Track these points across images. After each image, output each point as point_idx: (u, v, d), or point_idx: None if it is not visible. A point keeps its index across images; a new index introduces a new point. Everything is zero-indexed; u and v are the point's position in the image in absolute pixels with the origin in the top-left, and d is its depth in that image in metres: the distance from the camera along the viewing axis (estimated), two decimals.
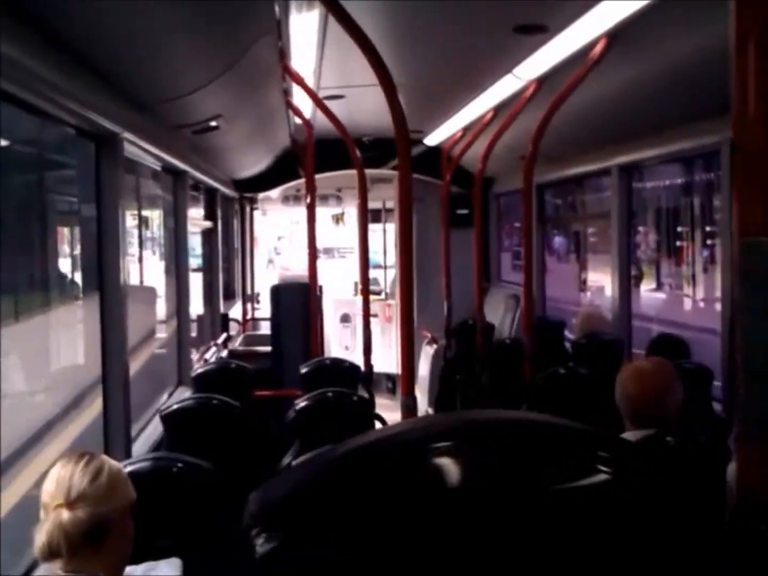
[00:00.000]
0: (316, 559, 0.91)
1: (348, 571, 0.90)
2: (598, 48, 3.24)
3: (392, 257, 9.20)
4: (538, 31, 3.29)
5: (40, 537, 1.54)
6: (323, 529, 0.93)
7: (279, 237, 23.71)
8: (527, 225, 4.49)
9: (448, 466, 0.99)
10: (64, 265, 3.31)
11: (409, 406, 2.74)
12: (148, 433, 3.53)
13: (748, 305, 1.20)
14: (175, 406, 3.17)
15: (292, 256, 22.40)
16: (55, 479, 1.60)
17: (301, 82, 4.11)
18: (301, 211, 8.51)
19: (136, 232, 4.31)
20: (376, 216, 8.97)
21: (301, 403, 3.22)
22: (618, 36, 3.12)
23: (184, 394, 4.20)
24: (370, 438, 1.14)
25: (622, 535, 0.93)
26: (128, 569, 1.78)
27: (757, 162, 1.23)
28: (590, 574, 0.91)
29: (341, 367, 4.20)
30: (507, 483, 0.94)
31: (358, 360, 4.68)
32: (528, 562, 0.90)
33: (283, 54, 3.52)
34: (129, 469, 2.16)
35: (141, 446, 3.29)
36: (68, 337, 3.24)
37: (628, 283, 4.91)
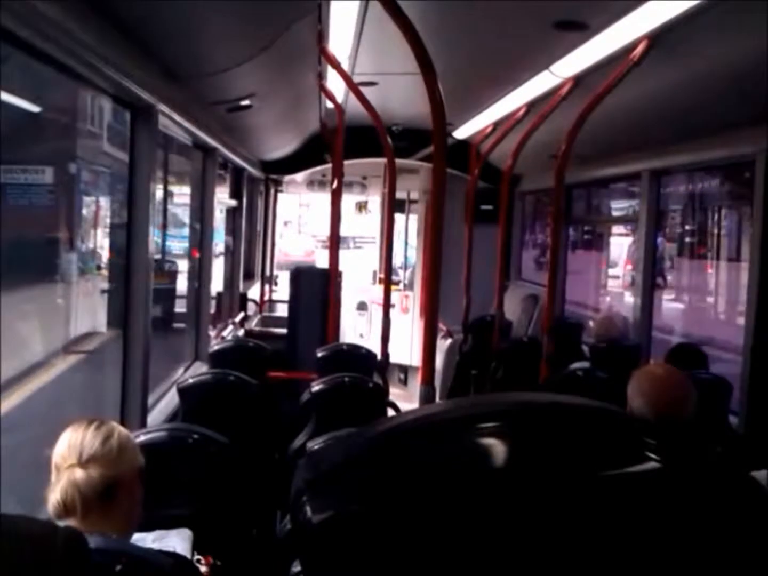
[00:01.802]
0: (361, 531, 0.92)
1: (390, 544, 0.91)
2: (639, 49, 3.20)
3: (411, 249, 9.18)
4: (578, 29, 3.26)
5: (54, 496, 1.57)
6: (371, 499, 0.93)
7: (285, 222, 23.36)
8: (556, 225, 4.46)
9: (494, 446, 0.99)
10: None
11: (428, 397, 2.74)
12: (163, 405, 3.56)
13: None
14: (191, 380, 3.20)
15: (293, 242, 22.34)
16: (67, 442, 1.63)
17: (336, 66, 4.11)
18: (314, 196, 8.52)
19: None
20: (400, 206, 8.96)
21: (317, 386, 3.24)
22: (659, 38, 3.08)
23: (201, 369, 4.23)
24: (418, 414, 1.15)
25: (667, 525, 0.92)
26: (138, 536, 1.81)
27: None
28: (632, 560, 0.91)
29: (357, 353, 4.22)
30: (553, 467, 0.94)
31: (372, 348, 4.69)
32: (571, 547, 0.90)
33: (321, 37, 3.51)
34: (145, 438, 2.18)
35: (157, 417, 3.33)
36: None
37: (651, 290, 4.87)
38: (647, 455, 1.00)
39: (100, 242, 4.19)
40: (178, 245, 5.63)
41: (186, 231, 5.51)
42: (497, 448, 0.99)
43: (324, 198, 8.18)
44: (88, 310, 3.84)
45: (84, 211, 4.16)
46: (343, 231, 5.49)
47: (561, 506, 0.92)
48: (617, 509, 0.92)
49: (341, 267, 5.30)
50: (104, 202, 4.26)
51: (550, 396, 1.30)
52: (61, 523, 1.61)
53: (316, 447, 2.29)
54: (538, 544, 0.91)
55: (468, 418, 1.02)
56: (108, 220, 4.12)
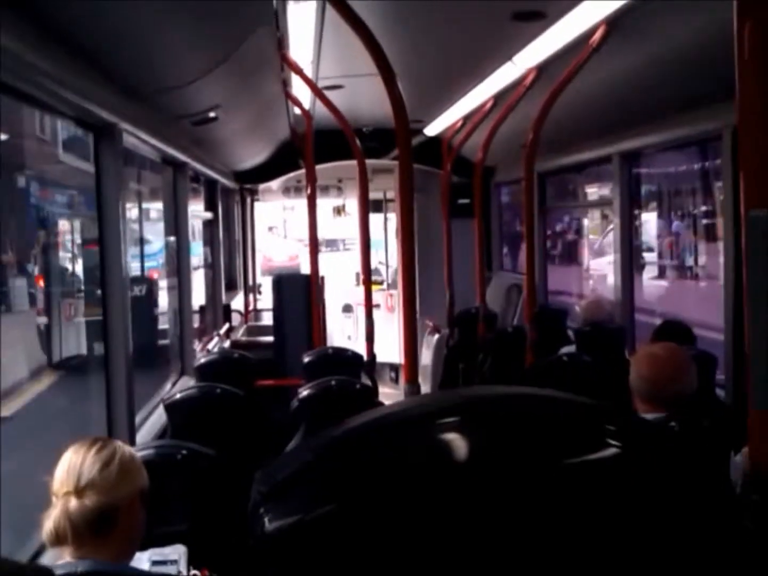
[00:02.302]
0: (323, 535, 0.92)
1: (354, 545, 0.91)
2: (598, 35, 3.23)
3: (393, 247, 9.20)
4: (537, 18, 3.28)
5: (48, 524, 1.55)
6: (329, 505, 0.93)
7: (270, 227, 23.02)
8: (529, 214, 4.48)
9: (454, 441, 0.99)
10: None
11: (413, 394, 2.75)
12: (152, 422, 3.54)
13: (756, 270, 1.21)
14: (178, 395, 3.19)
15: (277, 247, 22.04)
16: (66, 466, 1.60)
17: (299, 72, 4.11)
18: (296, 199, 8.52)
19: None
20: (377, 206, 8.96)
21: (305, 392, 3.23)
22: (617, 23, 3.10)
23: (187, 383, 4.21)
24: (375, 415, 1.15)
25: (630, 509, 0.93)
26: (135, 555, 1.80)
27: (762, 138, 1.24)
28: (597, 546, 0.91)
29: (344, 356, 4.22)
30: (514, 458, 0.94)
31: (361, 350, 4.69)
32: (536, 536, 0.91)
33: (281, 44, 3.51)
34: None
35: (145, 435, 3.31)
36: None
37: (630, 272, 4.91)
38: (607, 442, 1.01)
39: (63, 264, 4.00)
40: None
41: (154, 247, 5.44)
42: (460, 442, 1.00)
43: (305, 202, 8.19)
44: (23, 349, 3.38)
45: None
46: (331, 234, 5.50)
47: (524, 497, 0.92)
48: (579, 497, 0.93)
49: (330, 270, 5.31)
50: (66, 218, 4.07)
51: (510, 388, 1.32)
52: (56, 550, 1.60)
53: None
54: (504, 536, 0.91)
55: (426, 415, 1.02)
56: (68, 237, 3.91)
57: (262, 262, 17.90)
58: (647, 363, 2.40)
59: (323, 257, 5.93)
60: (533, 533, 0.91)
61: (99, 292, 2.86)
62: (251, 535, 0.96)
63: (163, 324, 5.09)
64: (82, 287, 4.13)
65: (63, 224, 4.23)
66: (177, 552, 1.99)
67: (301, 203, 10.94)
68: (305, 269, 9.53)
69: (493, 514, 0.91)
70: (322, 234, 6.07)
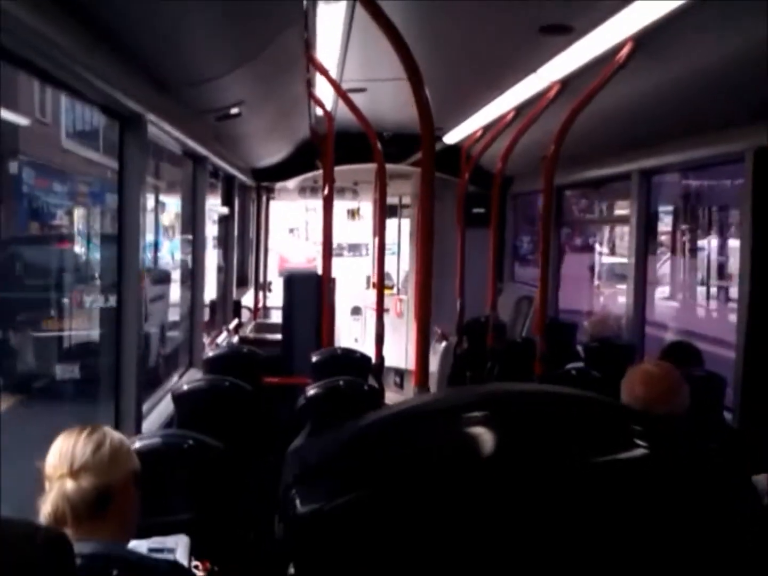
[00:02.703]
0: (351, 519, 0.93)
1: (379, 531, 0.92)
2: (624, 51, 3.23)
3: (405, 252, 9.20)
4: (564, 32, 3.29)
5: (46, 507, 1.57)
6: (359, 489, 0.94)
7: (291, 229, 22.86)
8: (547, 226, 4.48)
9: (479, 435, 1.00)
10: None
11: None
12: (158, 412, 3.56)
13: None
14: (186, 387, 3.20)
15: (296, 248, 21.92)
16: (58, 451, 1.63)
17: (324, 73, 4.13)
18: (312, 200, 8.54)
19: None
20: (392, 211, 8.98)
21: (313, 390, 3.24)
22: (644, 40, 3.11)
23: (195, 376, 4.23)
24: (407, 405, 1.16)
25: (654, 509, 0.94)
26: (135, 543, 1.81)
27: None
28: (621, 545, 0.92)
29: (352, 357, 4.22)
30: (540, 454, 0.95)
31: (367, 352, 4.69)
32: (560, 531, 0.91)
33: (308, 45, 3.53)
34: (140, 444, 2.19)
35: (152, 424, 3.33)
36: None
37: (643, 289, 4.89)
38: (635, 442, 1.01)
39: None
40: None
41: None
42: (485, 436, 1.01)
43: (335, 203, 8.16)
44: None
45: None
46: (351, 238, 5.50)
47: (550, 493, 0.93)
48: (605, 495, 0.94)
49: (350, 275, 5.32)
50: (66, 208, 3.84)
51: (538, 385, 1.32)
52: None
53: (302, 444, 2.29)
54: (529, 530, 0.92)
55: (455, 408, 1.03)
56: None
57: (279, 262, 17.85)
58: (639, 381, 2.36)
59: (346, 262, 5.92)
60: (558, 529, 0.92)
61: (65, 301, 2.73)
62: (283, 517, 0.97)
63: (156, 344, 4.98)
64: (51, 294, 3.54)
65: (61, 216, 3.99)
66: (176, 541, 2.01)
67: (344, 205, 10.95)
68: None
69: (516, 509, 0.92)
70: (342, 238, 6.05)
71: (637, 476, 0.96)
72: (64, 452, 1.61)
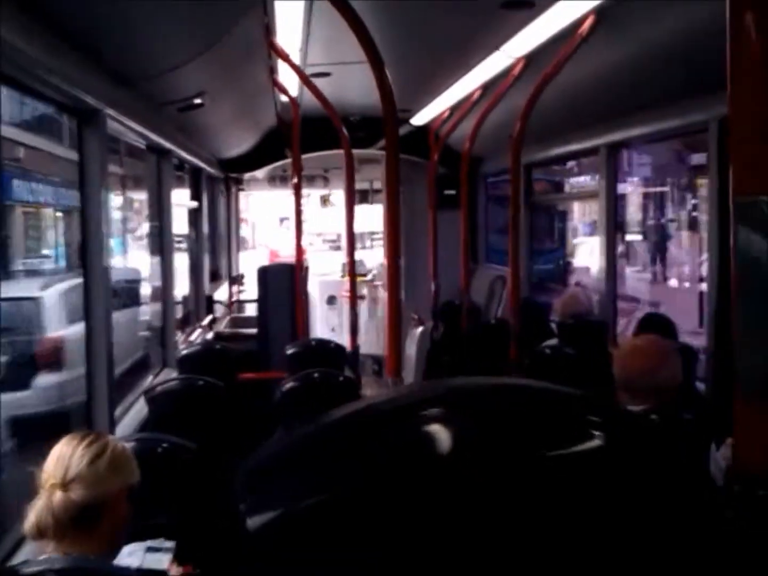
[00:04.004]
0: (308, 529, 0.89)
1: (339, 538, 0.89)
2: (586, 25, 3.21)
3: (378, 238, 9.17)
4: (526, 7, 3.25)
5: (31, 516, 1.53)
6: (316, 497, 0.91)
7: (282, 219, 22.29)
8: (515, 205, 4.47)
9: (437, 433, 0.97)
10: None
11: (396, 387, 2.73)
12: (133, 414, 3.50)
13: (746, 261, 1.20)
14: (160, 388, 3.15)
15: (287, 240, 21.27)
16: (56, 457, 1.58)
17: (287, 59, 4.06)
18: (282, 189, 8.45)
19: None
20: (363, 197, 8.93)
21: (288, 384, 3.21)
22: (606, 13, 3.09)
23: (169, 375, 4.17)
24: (359, 406, 1.13)
25: (612, 501, 0.92)
26: (131, 547, 1.77)
27: (754, 125, 1.23)
28: (579, 538, 0.90)
29: (327, 348, 4.19)
30: (497, 449, 0.93)
31: (345, 342, 4.66)
32: (519, 528, 0.89)
33: (269, 30, 3.47)
34: None
35: (126, 426, 3.27)
36: None
37: (614, 265, 4.91)
38: (591, 433, 0.99)
39: None
40: None
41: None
42: (440, 434, 0.98)
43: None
44: None
45: None
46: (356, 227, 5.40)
47: (507, 489, 0.91)
48: (562, 489, 0.92)
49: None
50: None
51: (494, 379, 1.30)
52: (37, 543, 1.57)
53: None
54: (488, 527, 0.90)
55: (410, 406, 1.01)
56: None
57: (269, 256, 17.49)
58: (630, 355, 2.44)
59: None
60: (517, 526, 0.90)
61: None
62: (232, 532, 0.94)
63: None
64: None
65: None
66: (159, 545, 1.98)
67: (318, 193, 10.80)
68: (317, 266, 9.30)
69: (477, 506, 0.89)
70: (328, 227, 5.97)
71: (594, 468, 0.95)
72: (61, 459, 1.57)
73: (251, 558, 0.92)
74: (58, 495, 1.52)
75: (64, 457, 1.57)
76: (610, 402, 1.99)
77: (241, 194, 9.03)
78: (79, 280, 3.06)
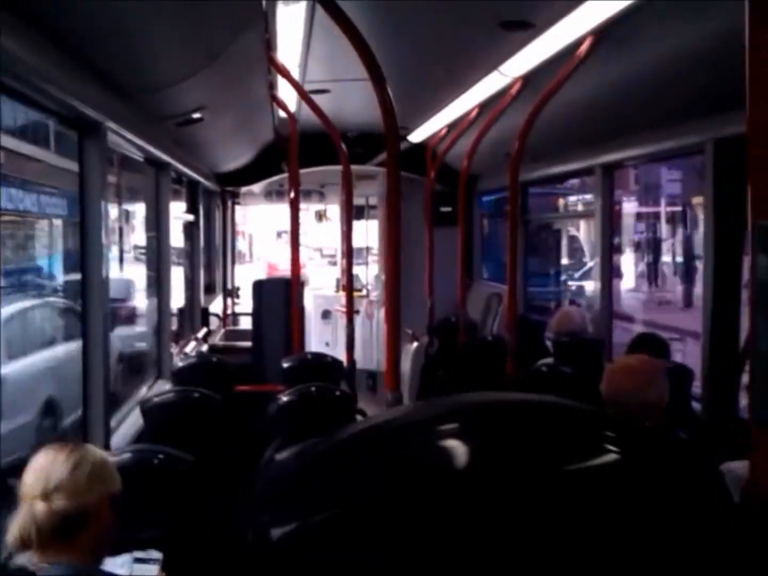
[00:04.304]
0: (329, 539, 0.90)
1: (356, 547, 0.89)
2: (585, 46, 3.25)
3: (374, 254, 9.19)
4: (525, 28, 3.29)
5: (13, 529, 1.53)
6: (335, 508, 0.92)
7: (279, 232, 22.03)
8: (513, 223, 4.49)
9: (453, 448, 0.98)
10: None
11: (395, 403, 2.73)
12: (128, 425, 3.49)
13: (766, 286, 1.20)
14: (155, 399, 3.14)
15: (284, 254, 21.03)
16: (36, 468, 1.58)
17: (286, 75, 4.09)
18: (278, 204, 8.47)
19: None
20: (359, 212, 8.95)
21: (284, 398, 3.20)
22: (604, 34, 3.12)
23: (163, 387, 4.16)
24: (377, 419, 1.13)
25: (628, 515, 0.93)
26: (107, 560, 1.76)
27: None
28: (595, 551, 0.90)
29: (323, 362, 4.19)
30: (514, 464, 0.93)
31: (338, 356, 4.65)
32: (535, 541, 0.90)
33: (269, 46, 3.50)
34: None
35: (121, 438, 3.26)
36: None
37: (610, 283, 4.94)
38: (607, 448, 1.00)
39: None
40: None
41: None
42: (456, 449, 0.99)
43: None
44: None
45: None
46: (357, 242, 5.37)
47: (523, 503, 0.91)
48: (578, 502, 0.92)
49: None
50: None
51: (510, 394, 1.31)
52: (21, 555, 1.56)
53: (273, 458, 2.25)
54: (504, 541, 0.90)
55: (425, 421, 1.01)
56: None
57: (267, 270, 17.35)
58: (617, 373, 2.44)
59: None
60: (533, 539, 0.90)
61: None
62: (250, 542, 0.94)
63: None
64: None
65: None
66: (150, 557, 1.97)
67: (314, 208, 10.76)
68: (316, 280, 9.22)
69: (494, 520, 0.90)
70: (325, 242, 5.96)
71: (610, 482, 0.95)
72: (40, 471, 1.56)
73: (275, 566, 0.93)
74: (40, 506, 1.52)
75: (44, 468, 1.56)
76: (621, 418, 2.00)
77: (238, 207, 9.04)
78: (37, 301, 2.92)
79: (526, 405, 1.09)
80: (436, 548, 0.89)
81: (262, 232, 22.65)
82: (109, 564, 1.77)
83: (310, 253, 21.26)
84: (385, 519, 0.91)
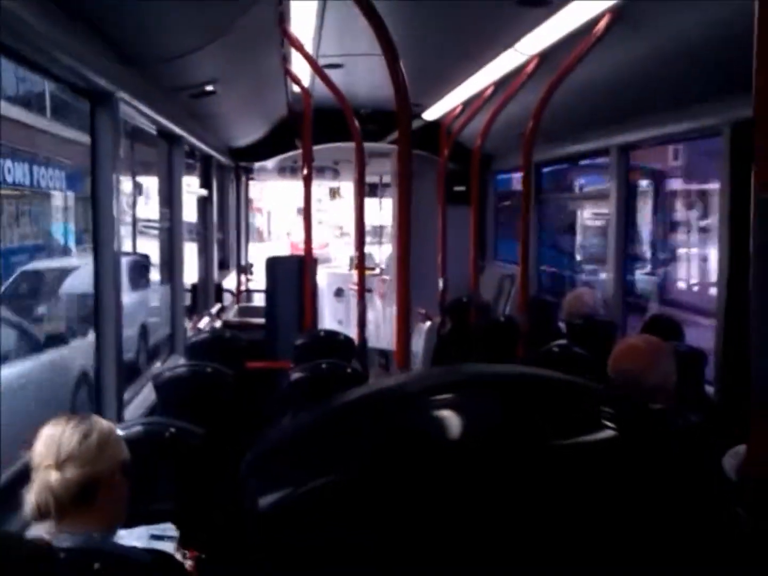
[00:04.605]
0: (318, 508, 0.90)
1: (344, 518, 0.89)
2: (602, 24, 3.20)
3: (387, 232, 9.16)
4: (542, 5, 3.24)
5: (30, 498, 1.56)
6: (326, 477, 0.92)
7: (299, 209, 21.77)
8: (526, 203, 4.46)
9: (449, 418, 0.98)
10: None
11: None
12: (141, 399, 3.52)
13: (765, 256, 1.19)
14: (168, 373, 3.16)
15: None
16: (45, 440, 1.61)
17: (300, 48, 4.06)
18: (292, 180, 8.45)
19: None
20: (372, 190, 8.91)
21: (296, 374, 3.21)
22: (622, 12, 3.08)
23: (177, 361, 4.19)
24: (373, 388, 1.13)
25: (623, 491, 0.92)
26: (122, 532, 1.79)
27: None
28: (588, 527, 0.90)
29: (335, 340, 4.19)
30: (509, 436, 0.93)
31: (351, 334, 4.66)
32: (528, 516, 0.90)
33: (282, 18, 3.46)
34: (121, 433, 2.15)
35: (134, 411, 3.29)
36: None
37: (623, 265, 4.90)
38: (603, 423, 0.99)
39: None
40: None
41: None
42: (453, 419, 0.99)
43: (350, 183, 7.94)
44: None
45: None
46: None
47: (518, 475, 0.91)
48: (573, 477, 0.92)
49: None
50: None
51: (509, 366, 1.31)
52: (39, 525, 1.59)
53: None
54: (498, 513, 0.90)
55: (422, 391, 1.01)
56: None
57: (290, 248, 17.24)
58: (624, 354, 2.41)
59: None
60: (527, 512, 0.90)
61: None
62: (240, 509, 0.94)
63: None
64: None
65: None
66: (165, 530, 1.99)
67: (328, 185, 10.65)
68: (340, 258, 9.14)
69: (487, 491, 0.90)
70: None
71: (605, 459, 0.95)
72: (50, 442, 1.59)
73: (261, 536, 0.93)
74: (54, 475, 1.55)
75: (54, 438, 1.59)
76: (625, 397, 1.99)
77: (256, 183, 9.02)
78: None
79: (523, 377, 1.08)
80: (428, 519, 0.89)
81: (281, 208, 22.45)
82: (125, 537, 1.79)
83: (331, 231, 21.00)
84: (377, 489, 0.91)
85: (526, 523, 0.90)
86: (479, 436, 0.95)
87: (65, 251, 4.70)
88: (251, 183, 8.90)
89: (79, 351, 3.84)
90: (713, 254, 4.56)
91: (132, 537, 1.85)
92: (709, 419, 3.10)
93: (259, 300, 7.66)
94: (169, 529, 1.98)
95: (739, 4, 2.57)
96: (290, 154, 7.54)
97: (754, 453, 1.20)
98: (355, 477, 0.91)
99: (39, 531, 1.59)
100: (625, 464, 0.96)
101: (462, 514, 0.89)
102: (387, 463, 0.92)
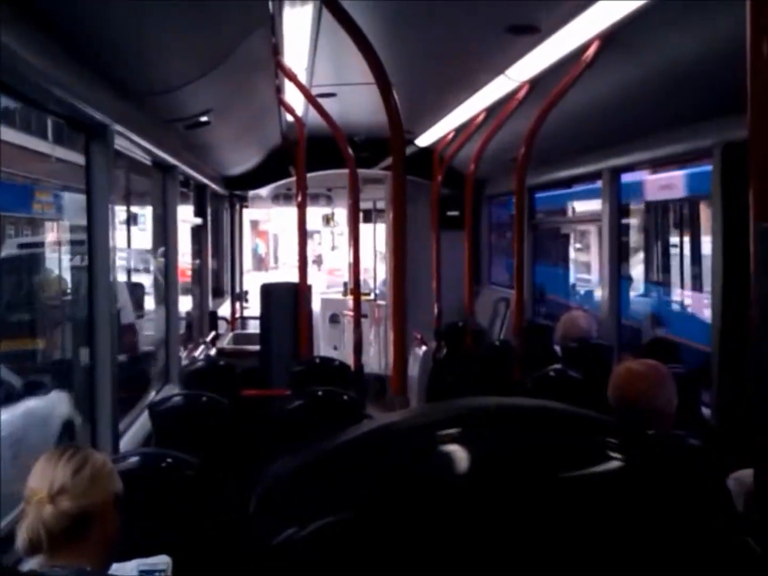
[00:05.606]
0: (330, 545, 0.89)
1: (351, 555, 0.88)
2: (591, 50, 3.24)
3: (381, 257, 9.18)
4: (531, 32, 3.29)
5: (22, 533, 1.54)
6: (334, 514, 0.91)
7: (311, 233, 21.21)
8: (519, 228, 4.48)
9: (454, 453, 0.97)
10: None
11: (402, 406, 2.73)
12: (136, 428, 3.50)
13: (766, 283, 1.19)
14: (163, 402, 3.15)
15: (338, 257, 19.73)
16: (38, 473, 1.60)
17: (293, 79, 4.10)
18: (285, 207, 8.47)
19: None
20: (367, 216, 8.94)
21: (292, 402, 3.20)
22: (611, 38, 3.12)
23: (172, 391, 4.17)
24: (379, 423, 1.13)
25: (631, 524, 0.91)
26: (117, 566, 1.77)
27: None
28: (597, 561, 0.89)
29: (331, 366, 4.18)
30: (514, 470, 0.92)
31: (347, 361, 4.65)
32: (535, 550, 0.89)
33: (276, 49, 3.50)
34: (117, 464, 2.13)
35: (129, 441, 3.26)
36: None
37: (618, 288, 4.91)
38: (609, 455, 0.99)
39: None
40: None
41: None
42: (457, 454, 0.98)
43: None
44: None
45: None
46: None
47: (524, 510, 0.90)
48: (580, 511, 0.91)
49: None
50: None
51: (512, 399, 1.30)
52: (31, 559, 1.57)
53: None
54: (505, 549, 0.89)
55: (427, 426, 1.00)
56: None
57: (328, 276, 16.84)
58: (626, 380, 2.40)
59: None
60: (537, 547, 0.89)
61: None
62: (249, 544, 0.93)
63: None
64: None
65: None
66: (164, 562, 1.97)
67: (321, 211, 10.66)
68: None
69: (495, 528, 0.89)
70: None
71: (614, 490, 0.94)
72: (44, 475, 1.58)
73: (270, 574, 0.92)
74: (48, 508, 1.53)
75: (47, 471, 1.58)
76: (628, 426, 1.98)
77: (260, 207, 9.01)
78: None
79: (526, 409, 1.08)
80: (438, 554, 0.88)
81: (290, 230, 22.19)
82: (118, 571, 1.77)
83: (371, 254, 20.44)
84: (384, 525, 0.90)
85: (536, 558, 0.89)
86: (485, 470, 0.94)
87: None
88: (255, 207, 8.91)
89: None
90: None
91: (124, 571, 1.83)
92: (708, 442, 3.09)
93: (254, 327, 7.64)
94: (161, 563, 1.95)
95: (725, 28, 2.62)
96: (284, 181, 7.58)
97: (762, 480, 1.19)
98: (363, 514, 0.91)
99: (32, 565, 1.58)
100: (635, 495, 0.95)
101: (471, 549, 0.88)
102: (394, 499, 0.92)
